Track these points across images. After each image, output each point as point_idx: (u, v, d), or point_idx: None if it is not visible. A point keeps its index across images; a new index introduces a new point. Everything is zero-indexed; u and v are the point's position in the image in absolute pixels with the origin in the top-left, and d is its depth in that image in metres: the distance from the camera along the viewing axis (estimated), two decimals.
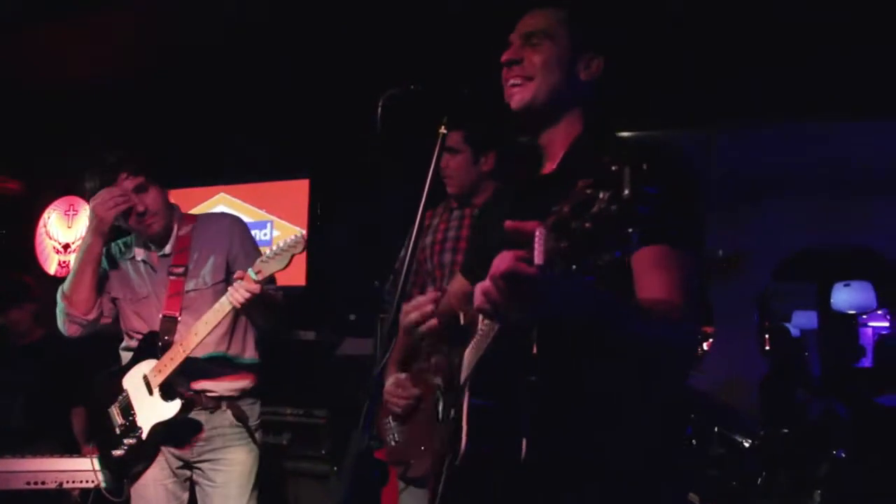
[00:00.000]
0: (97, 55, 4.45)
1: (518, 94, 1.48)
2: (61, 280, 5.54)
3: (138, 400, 2.66)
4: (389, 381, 2.44)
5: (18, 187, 5.77)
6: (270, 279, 2.52)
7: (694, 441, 2.86)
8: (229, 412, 2.69)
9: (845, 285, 6.33)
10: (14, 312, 3.99)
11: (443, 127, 1.46)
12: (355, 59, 4.03)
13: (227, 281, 2.66)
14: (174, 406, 2.57)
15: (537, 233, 1.01)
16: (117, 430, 2.68)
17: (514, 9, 1.52)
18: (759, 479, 2.72)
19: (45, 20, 4.05)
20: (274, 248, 2.40)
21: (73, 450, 3.63)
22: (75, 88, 4.74)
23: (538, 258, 1.00)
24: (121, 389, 2.70)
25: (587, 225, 0.99)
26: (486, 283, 1.09)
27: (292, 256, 2.35)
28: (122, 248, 2.88)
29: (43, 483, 3.37)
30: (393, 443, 2.36)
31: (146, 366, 2.65)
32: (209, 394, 2.69)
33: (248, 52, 4.18)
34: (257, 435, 2.76)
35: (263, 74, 4.36)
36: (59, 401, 3.90)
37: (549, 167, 1.54)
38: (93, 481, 3.42)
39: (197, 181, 5.10)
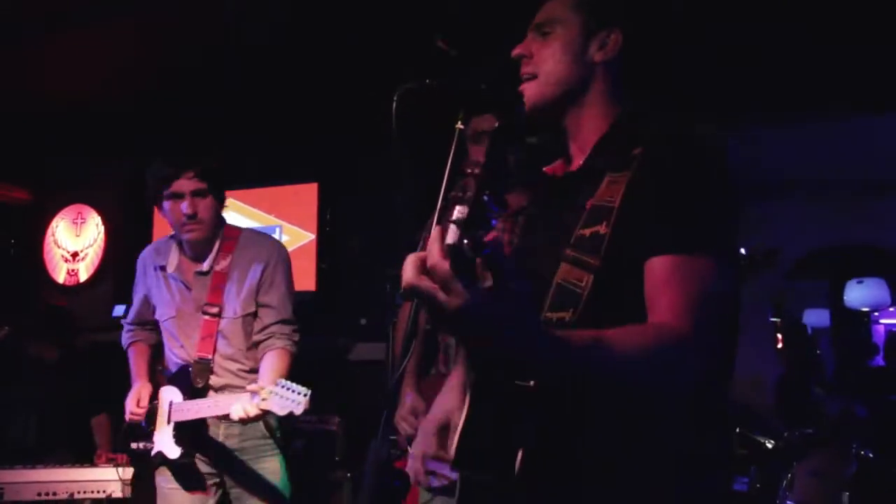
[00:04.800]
0: (103, 63, 4.42)
1: (525, 94, 1.40)
2: (70, 288, 5.55)
3: (160, 418, 2.69)
4: (405, 403, 2.39)
5: (26, 196, 5.77)
6: None
7: None
8: (261, 423, 2.68)
9: (858, 282, 6.29)
10: (37, 347, 3.90)
11: (459, 122, 1.41)
12: (363, 61, 4.00)
13: (255, 314, 2.69)
14: (176, 451, 2.61)
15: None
16: (144, 425, 2.74)
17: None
18: (784, 482, 2.66)
19: (51, 29, 4.03)
20: (285, 386, 2.37)
21: (86, 461, 3.61)
22: (82, 96, 4.72)
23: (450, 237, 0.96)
24: (157, 396, 2.75)
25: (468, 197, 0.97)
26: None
27: (290, 413, 2.34)
28: (154, 256, 2.86)
29: (54, 494, 3.35)
30: None
31: (175, 395, 2.67)
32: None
33: (254, 55, 4.15)
34: (289, 444, 2.78)
35: (270, 78, 4.32)
36: (74, 414, 3.86)
37: (577, 162, 1.44)
38: (104, 491, 3.40)
39: None
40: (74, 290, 5.50)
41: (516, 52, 1.42)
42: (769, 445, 2.80)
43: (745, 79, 3.94)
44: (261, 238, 2.86)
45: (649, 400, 1.16)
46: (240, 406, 2.41)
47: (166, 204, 2.65)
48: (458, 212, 0.97)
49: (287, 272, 2.77)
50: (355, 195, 4.62)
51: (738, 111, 4.20)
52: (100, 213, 5.59)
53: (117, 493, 3.44)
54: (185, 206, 2.60)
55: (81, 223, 5.64)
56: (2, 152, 5.19)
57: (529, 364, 1.05)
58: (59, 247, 5.66)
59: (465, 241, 0.94)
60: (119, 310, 5.14)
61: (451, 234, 0.96)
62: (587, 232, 1.26)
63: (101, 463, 3.55)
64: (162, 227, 5.23)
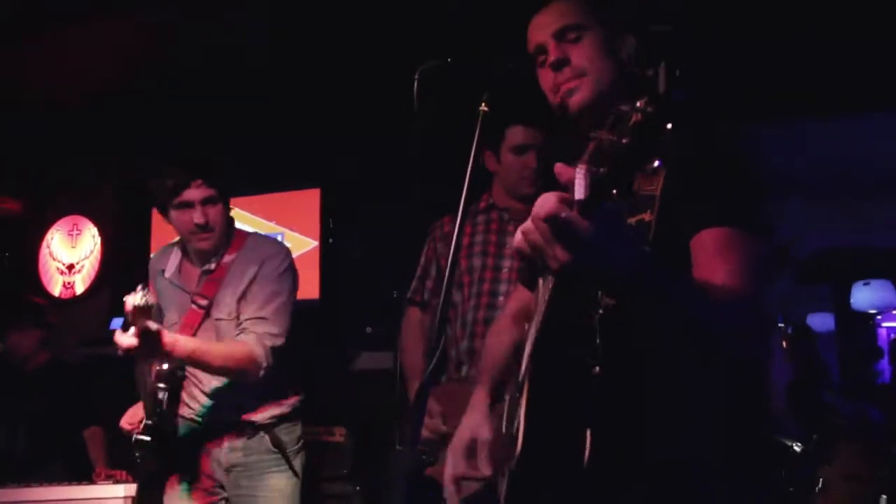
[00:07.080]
0: (99, 69, 4.37)
1: (577, 95, 1.41)
2: (66, 302, 5.45)
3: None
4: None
5: (20, 207, 5.66)
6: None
7: None
8: (267, 438, 2.58)
9: (865, 284, 6.25)
10: (15, 336, 3.85)
11: (484, 105, 1.34)
12: (365, 66, 3.94)
13: (238, 318, 2.56)
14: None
15: (578, 167, 0.95)
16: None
17: None
18: (817, 488, 2.58)
19: (44, 35, 3.97)
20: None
21: (80, 477, 3.51)
22: (77, 104, 4.65)
23: (578, 192, 0.93)
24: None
25: (624, 140, 0.92)
26: (527, 224, 1.01)
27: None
28: (156, 261, 2.76)
29: None
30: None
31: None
32: (248, 421, 2.60)
33: (256, 60, 4.10)
34: (299, 458, 2.66)
35: (271, 82, 4.26)
36: (65, 427, 3.78)
37: None
38: None
39: None
40: (71, 303, 5.39)
41: (554, 58, 1.43)
42: (797, 449, 2.72)
43: (749, 75, 3.89)
44: (265, 241, 2.76)
45: (717, 350, 1.21)
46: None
47: (174, 213, 2.54)
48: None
49: (281, 271, 2.60)
50: (359, 199, 4.54)
51: (743, 109, 4.14)
52: (96, 223, 5.48)
53: None
54: (196, 216, 2.48)
55: (77, 234, 5.53)
56: None
57: (635, 282, 1.08)
58: (54, 259, 5.55)
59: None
60: (117, 322, 5.03)
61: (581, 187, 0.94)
62: (633, 220, 1.28)
63: (100, 480, 3.45)
64: (160, 236, 5.12)
